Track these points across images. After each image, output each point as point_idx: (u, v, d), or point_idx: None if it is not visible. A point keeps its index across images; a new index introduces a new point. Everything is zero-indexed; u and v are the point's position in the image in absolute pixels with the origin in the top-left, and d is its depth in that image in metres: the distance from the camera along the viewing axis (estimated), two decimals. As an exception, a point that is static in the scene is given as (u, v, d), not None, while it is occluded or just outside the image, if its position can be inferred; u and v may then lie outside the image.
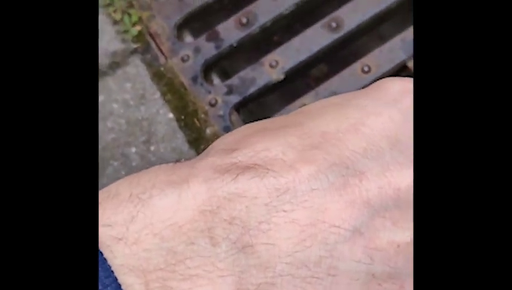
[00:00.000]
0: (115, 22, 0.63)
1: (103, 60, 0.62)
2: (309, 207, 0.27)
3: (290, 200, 0.26)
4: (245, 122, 0.60)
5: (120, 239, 0.25)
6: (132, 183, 0.28)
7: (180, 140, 0.57)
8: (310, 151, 0.28)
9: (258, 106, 0.58)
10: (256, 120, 0.62)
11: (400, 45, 0.57)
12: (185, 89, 0.59)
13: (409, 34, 0.57)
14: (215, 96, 0.58)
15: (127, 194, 0.26)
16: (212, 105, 0.58)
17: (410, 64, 0.57)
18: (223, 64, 0.57)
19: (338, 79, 0.57)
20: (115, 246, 0.25)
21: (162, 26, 0.62)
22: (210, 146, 0.32)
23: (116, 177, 0.54)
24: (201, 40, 0.60)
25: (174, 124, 0.58)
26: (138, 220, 0.25)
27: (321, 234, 0.26)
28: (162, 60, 0.61)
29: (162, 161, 0.57)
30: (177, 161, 0.36)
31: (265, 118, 0.59)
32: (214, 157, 0.28)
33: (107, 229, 0.25)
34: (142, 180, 0.28)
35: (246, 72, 0.58)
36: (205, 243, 0.25)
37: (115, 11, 0.63)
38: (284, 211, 0.26)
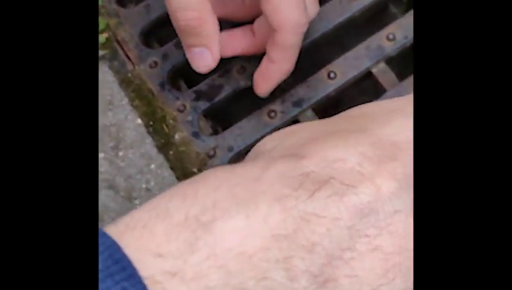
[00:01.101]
0: (83, 29, 0.63)
1: (71, 67, 0.62)
2: (394, 232, 0.23)
3: (374, 223, 0.23)
4: (213, 128, 0.60)
5: (175, 274, 0.20)
6: (187, 199, 0.23)
7: (148, 145, 0.58)
8: (388, 163, 0.25)
9: (226, 112, 0.59)
10: (226, 126, 0.62)
11: (365, 53, 0.58)
12: (153, 95, 0.59)
13: (373, 41, 0.58)
14: (184, 102, 0.59)
15: (182, 216, 0.22)
16: (180, 111, 0.58)
17: (375, 70, 0.58)
18: (190, 71, 0.57)
19: (304, 86, 0.58)
20: (168, 283, 0.20)
21: (130, 33, 0.62)
22: (260, 146, 0.29)
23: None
24: (169, 47, 0.60)
25: (143, 129, 0.58)
26: (198, 249, 0.20)
27: (405, 263, 0.23)
28: (129, 66, 0.61)
29: (130, 166, 0.57)
30: (235, 161, 0.34)
31: (232, 124, 0.59)
32: (280, 165, 0.24)
33: (159, 261, 0.20)
34: (200, 195, 0.23)
35: (214, 79, 0.59)
36: (281, 277, 0.20)
37: (82, 18, 0.63)
38: (367, 236, 0.23)
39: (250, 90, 0.57)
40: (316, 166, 0.24)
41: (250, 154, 0.30)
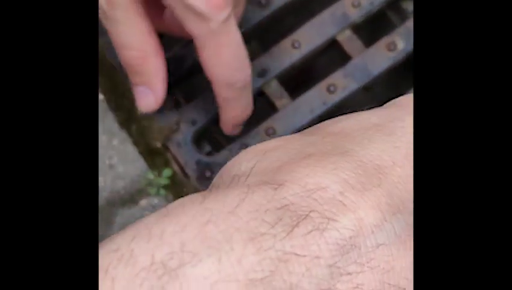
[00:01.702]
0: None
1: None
2: (375, 267, 0.22)
3: (355, 259, 0.21)
4: (176, 101, 0.59)
5: None
6: (152, 240, 0.21)
7: (110, 121, 0.56)
8: (371, 191, 0.24)
9: (189, 85, 0.58)
10: (189, 99, 0.61)
11: (330, 19, 0.57)
12: (114, 69, 0.58)
13: (338, 8, 0.57)
14: (146, 75, 0.57)
15: (147, 261, 0.20)
16: (142, 85, 0.57)
17: (340, 38, 0.57)
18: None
19: (268, 56, 0.57)
20: None
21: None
22: (235, 167, 0.27)
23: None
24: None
25: (104, 105, 0.57)
26: None
27: None
28: (89, 40, 0.59)
29: (93, 143, 0.56)
30: (203, 190, 0.31)
31: (195, 97, 0.58)
32: (257, 196, 0.22)
33: None
34: (167, 235, 0.21)
35: (176, 51, 0.57)
36: None
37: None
38: (349, 273, 0.21)
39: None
40: (295, 196, 0.22)
41: (223, 174, 0.28)
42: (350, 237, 0.21)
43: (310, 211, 0.21)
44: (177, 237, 0.20)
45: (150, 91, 0.51)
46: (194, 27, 0.46)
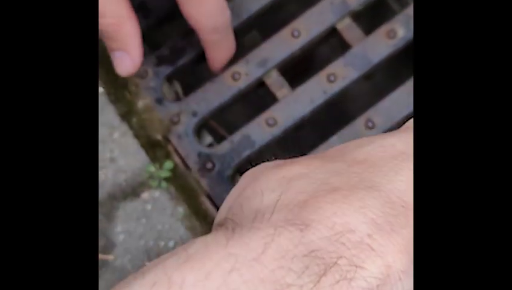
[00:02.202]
0: None
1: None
2: None
3: None
4: (177, 93, 0.59)
5: None
6: (172, 289, 0.20)
7: (111, 114, 0.56)
8: (399, 233, 0.23)
9: (189, 76, 0.57)
10: (190, 91, 0.60)
11: (329, 8, 0.56)
12: (114, 61, 0.57)
13: (337, -4, 0.57)
14: (145, 67, 0.57)
15: None
16: (142, 77, 0.57)
17: (340, 26, 0.57)
18: (151, 35, 0.56)
19: (268, 45, 0.57)
20: None
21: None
22: (257, 198, 0.26)
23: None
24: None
25: (104, 98, 0.57)
26: None
27: None
28: (88, 33, 0.59)
29: (93, 136, 0.56)
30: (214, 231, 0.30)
31: (196, 88, 0.57)
32: (283, 240, 0.22)
33: None
34: (188, 284, 0.20)
35: (176, 42, 0.57)
36: None
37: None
38: None
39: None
40: (323, 240, 0.21)
41: (243, 204, 0.26)
42: (377, 286, 0.21)
43: (338, 258, 0.21)
44: (199, 287, 0.19)
45: (127, 55, 0.53)
46: None
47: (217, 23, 0.52)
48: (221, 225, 0.25)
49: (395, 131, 0.31)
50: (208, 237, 0.23)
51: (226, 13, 0.52)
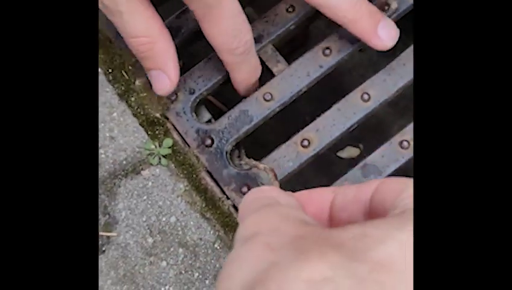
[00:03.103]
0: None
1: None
2: None
3: None
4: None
5: None
6: None
7: (109, 93, 0.57)
8: None
9: (185, 54, 0.58)
10: (187, 68, 0.61)
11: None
12: (110, 42, 0.58)
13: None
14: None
15: None
16: (139, 56, 0.57)
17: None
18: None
19: (263, 21, 0.57)
20: None
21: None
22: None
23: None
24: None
25: (102, 77, 0.57)
26: None
27: None
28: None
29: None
30: None
31: (193, 65, 0.57)
32: None
33: None
34: None
35: (171, 21, 0.57)
36: None
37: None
38: None
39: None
40: None
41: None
42: None
43: None
44: None
45: (163, 73, 0.53)
46: (192, 3, 0.49)
47: (233, 44, 0.52)
48: None
49: (406, 218, 0.31)
50: None
51: (244, 37, 0.52)
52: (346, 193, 0.35)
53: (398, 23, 0.56)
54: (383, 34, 0.53)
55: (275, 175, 0.52)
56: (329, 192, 0.36)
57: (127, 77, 0.57)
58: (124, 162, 0.54)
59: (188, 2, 0.49)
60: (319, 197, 0.36)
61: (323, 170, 0.74)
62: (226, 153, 0.55)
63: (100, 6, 0.50)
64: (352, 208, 0.34)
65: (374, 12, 0.53)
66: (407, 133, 0.54)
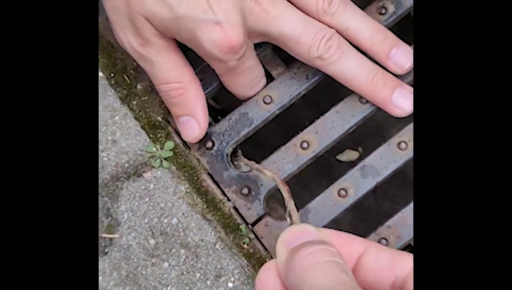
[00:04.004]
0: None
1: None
2: None
3: None
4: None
5: None
6: None
7: (111, 97, 0.57)
8: None
9: (188, 59, 0.58)
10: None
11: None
12: (112, 46, 0.58)
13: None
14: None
15: None
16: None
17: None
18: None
19: None
20: None
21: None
22: None
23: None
24: None
25: (104, 82, 0.58)
26: None
27: None
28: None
29: (95, 120, 0.57)
30: None
31: (196, 70, 0.58)
32: None
33: None
34: None
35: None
36: None
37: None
38: None
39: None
40: None
41: None
42: None
43: None
44: None
45: (193, 119, 0.54)
46: (215, 67, 0.52)
47: (249, 94, 0.56)
48: None
49: None
50: None
51: (259, 85, 0.56)
52: (380, 257, 0.35)
53: (396, 26, 0.57)
54: (399, 101, 0.54)
55: (288, 190, 0.50)
56: (360, 244, 0.36)
57: (128, 81, 0.57)
58: (126, 164, 0.55)
59: (213, 66, 0.52)
60: (348, 245, 0.36)
61: (323, 173, 0.75)
62: (227, 155, 0.55)
63: (131, 52, 0.52)
64: (382, 275, 0.35)
65: (390, 80, 0.54)
66: (405, 134, 0.55)
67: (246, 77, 0.54)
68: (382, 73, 0.54)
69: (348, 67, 0.53)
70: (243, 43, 0.49)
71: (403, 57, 0.54)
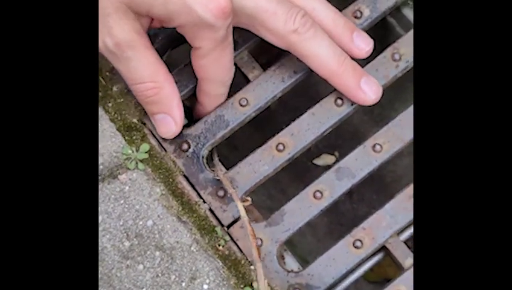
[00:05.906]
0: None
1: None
2: None
3: None
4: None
5: None
6: None
7: (87, 99, 0.57)
8: None
9: (165, 61, 0.58)
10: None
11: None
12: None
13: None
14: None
15: None
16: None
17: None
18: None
19: (239, 28, 0.58)
20: None
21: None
22: None
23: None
24: None
25: (80, 84, 0.58)
26: None
27: None
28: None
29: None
30: None
31: (172, 72, 0.58)
32: None
33: None
34: None
35: (150, 28, 0.58)
36: None
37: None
38: None
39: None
40: None
41: None
42: None
43: None
44: None
45: (169, 117, 0.54)
46: (203, 42, 0.51)
47: (227, 76, 0.55)
48: None
49: None
50: None
51: (233, 68, 0.55)
52: None
53: (371, 30, 0.57)
54: (366, 88, 0.54)
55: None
56: None
57: (104, 83, 0.57)
58: (101, 166, 0.55)
59: (200, 40, 0.51)
60: None
61: (299, 177, 0.75)
62: (203, 157, 0.55)
63: (105, 53, 0.51)
64: None
65: (358, 67, 0.55)
66: (380, 136, 0.55)
67: (230, 54, 0.53)
68: (350, 59, 0.55)
69: (321, 47, 0.53)
70: (231, 8, 0.49)
71: (362, 41, 0.55)
